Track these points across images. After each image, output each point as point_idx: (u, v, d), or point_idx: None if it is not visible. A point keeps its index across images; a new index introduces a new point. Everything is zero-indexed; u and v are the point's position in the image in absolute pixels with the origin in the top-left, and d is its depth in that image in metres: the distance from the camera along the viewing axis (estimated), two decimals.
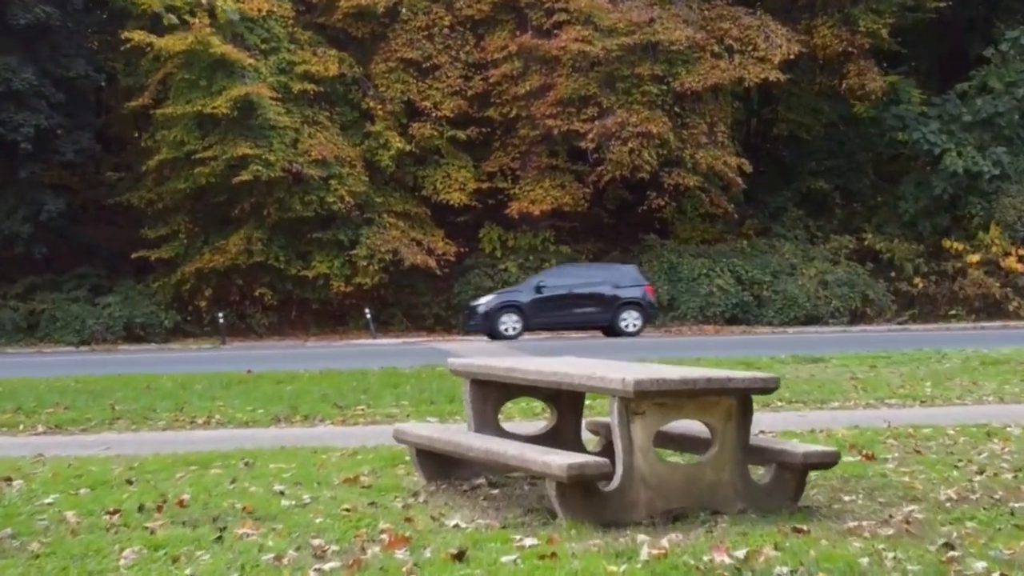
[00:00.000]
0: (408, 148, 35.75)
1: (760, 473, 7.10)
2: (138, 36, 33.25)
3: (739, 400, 6.73)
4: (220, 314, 33.64)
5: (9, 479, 8.31)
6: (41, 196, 34.60)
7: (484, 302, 31.89)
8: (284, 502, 7.25)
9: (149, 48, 33.47)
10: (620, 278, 32.53)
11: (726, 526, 6.31)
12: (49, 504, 7.34)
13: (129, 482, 8.11)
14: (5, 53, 33.73)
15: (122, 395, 14.64)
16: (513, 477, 7.85)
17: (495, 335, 31.01)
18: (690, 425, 7.19)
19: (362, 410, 12.78)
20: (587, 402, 8.60)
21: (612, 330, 31.74)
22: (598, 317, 32.00)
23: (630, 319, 31.90)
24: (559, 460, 6.39)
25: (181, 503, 7.21)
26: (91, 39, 37.34)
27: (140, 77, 34.75)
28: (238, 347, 31.13)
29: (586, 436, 8.37)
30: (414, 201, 36.65)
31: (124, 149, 37.61)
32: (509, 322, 31.34)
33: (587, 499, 6.43)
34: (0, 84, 33.29)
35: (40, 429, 12.10)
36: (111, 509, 7.04)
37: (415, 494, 7.56)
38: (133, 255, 34.69)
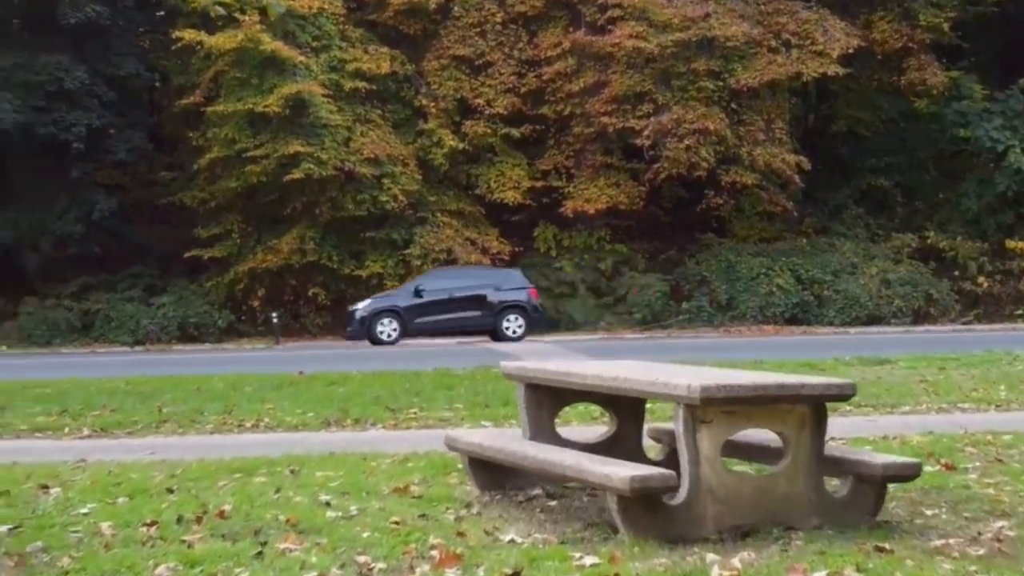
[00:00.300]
0: (461, 146, 35.45)
1: (835, 485, 6.68)
2: (189, 34, 33.11)
3: (813, 408, 6.31)
4: (274, 314, 33.43)
5: (46, 487, 8.00)
6: (93, 196, 34.57)
7: (362, 307, 31.26)
8: (330, 513, 6.87)
9: (200, 46, 33.35)
10: (503, 281, 31.81)
11: (801, 543, 5.88)
12: (85, 514, 7.02)
13: (170, 491, 7.78)
14: (56, 52, 33.72)
15: (171, 397, 14.39)
16: (571, 487, 7.45)
17: (373, 340, 30.50)
18: (758, 432, 6.77)
19: (414, 413, 12.44)
20: (648, 405, 8.17)
21: (496, 334, 31.11)
22: (480, 321, 31.30)
23: (513, 323, 31.24)
24: (621, 472, 5.98)
25: (222, 514, 6.86)
26: (142, 38, 37.34)
27: (191, 75, 34.65)
28: (292, 347, 30.94)
29: (647, 443, 7.95)
30: (468, 200, 36.34)
31: (176, 148, 37.53)
32: (386, 327, 30.76)
33: (651, 513, 6.02)
34: (52, 83, 33.33)
35: (85, 432, 11.86)
36: (148, 520, 6.71)
37: (468, 505, 7.17)
38: (186, 255, 34.57)
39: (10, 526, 6.70)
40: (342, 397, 13.90)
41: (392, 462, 8.84)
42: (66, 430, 11.98)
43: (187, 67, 34.92)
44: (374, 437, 10.84)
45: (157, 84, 37.98)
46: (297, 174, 32.72)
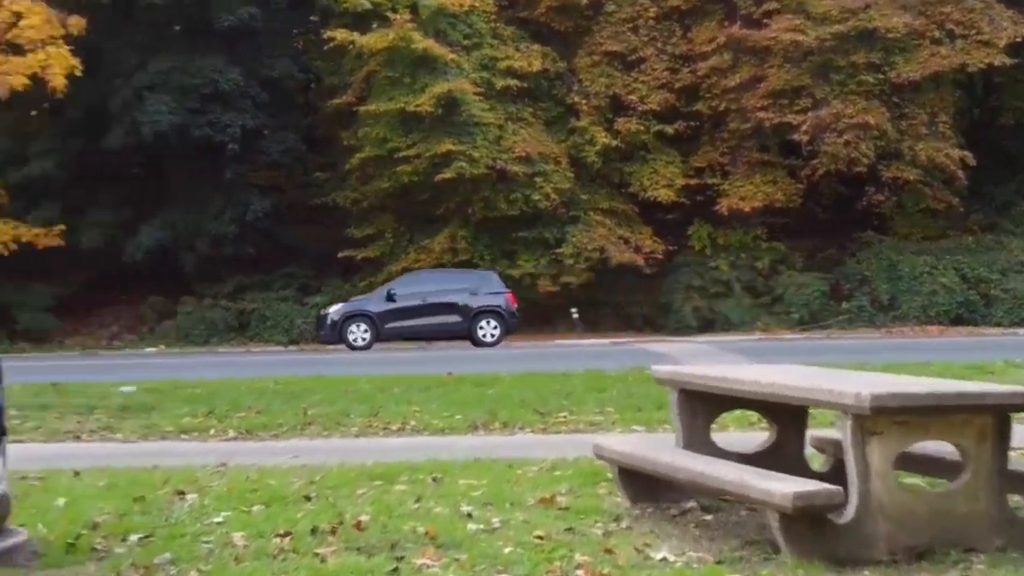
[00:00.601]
0: (614, 144, 35.02)
1: (1016, 501, 6.12)
2: (341, 35, 33.31)
3: (996, 418, 5.77)
4: None
5: (183, 493, 7.78)
6: (247, 196, 34.95)
7: (333, 310, 30.77)
8: (471, 526, 6.52)
9: (352, 46, 33.48)
10: (479, 285, 31.01)
11: (984, 567, 5.37)
12: (218, 523, 6.77)
13: (307, 498, 7.50)
14: (211, 55, 34.16)
15: (318, 398, 14.23)
16: (728, 500, 6.97)
17: (346, 345, 30.01)
18: (932, 442, 6.22)
19: (564, 417, 12.07)
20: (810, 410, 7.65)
21: (472, 339, 30.31)
22: (455, 326, 30.53)
23: (488, 328, 30.39)
24: (783, 488, 5.51)
25: (358, 525, 6.53)
26: (295, 39, 37.66)
27: (344, 75, 34.84)
28: (442, 347, 30.81)
29: (809, 452, 7.43)
30: (620, 198, 35.91)
31: (329, 148, 37.74)
32: (357, 332, 30.13)
33: (816, 532, 5.55)
34: (207, 85, 33.76)
35: (231, 434, 11.74)
36: (282, 531, 6.42)
37: (617, 518, 6.75)
38: (340, 255, 34.75)
39: (141, 535, 6.48)
40: (491, 399, 13.58)
41: (539, 470, 8.45)
42: (212, 432, 11.87)
43: (339, 67, 35.08)
44: (522, 442, 10.50)
45: (312, 85, 38.28)
46: (449, 173, 32.64)
